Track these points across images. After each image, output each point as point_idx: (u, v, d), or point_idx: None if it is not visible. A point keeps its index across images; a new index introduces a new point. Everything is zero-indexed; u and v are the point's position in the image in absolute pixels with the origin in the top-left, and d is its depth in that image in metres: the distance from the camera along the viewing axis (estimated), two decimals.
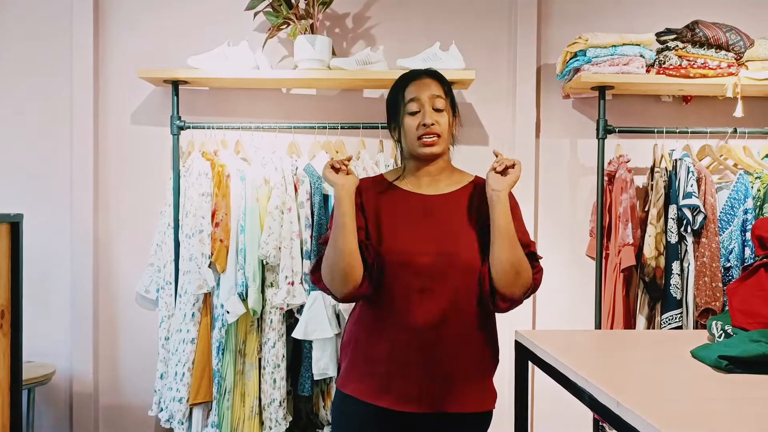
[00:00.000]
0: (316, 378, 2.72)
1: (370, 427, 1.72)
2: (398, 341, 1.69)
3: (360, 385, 1.73)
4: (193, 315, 2.75)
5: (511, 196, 1.76)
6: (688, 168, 2.71)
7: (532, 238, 1.86)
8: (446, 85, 1.81)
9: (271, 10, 2.88)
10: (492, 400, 1.76)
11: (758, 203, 2.70)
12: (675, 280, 2.69)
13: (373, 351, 1.72)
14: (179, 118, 2.92)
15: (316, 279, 1.79)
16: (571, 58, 2.85)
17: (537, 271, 1.75)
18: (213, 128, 2.92)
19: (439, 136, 1.74)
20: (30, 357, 2.93)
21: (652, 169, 2.87)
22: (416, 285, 1.68)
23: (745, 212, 2.69)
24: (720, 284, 2.67)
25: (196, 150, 2.89)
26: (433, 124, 1.73)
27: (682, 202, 2.69)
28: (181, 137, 2.93)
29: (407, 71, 1.86)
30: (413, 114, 1.76)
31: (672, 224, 2.71)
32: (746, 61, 2.81)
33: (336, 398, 1.82)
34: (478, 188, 1.81)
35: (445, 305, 1.68)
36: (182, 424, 2.75)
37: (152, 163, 3.06)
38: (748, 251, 2.67)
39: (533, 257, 1.76)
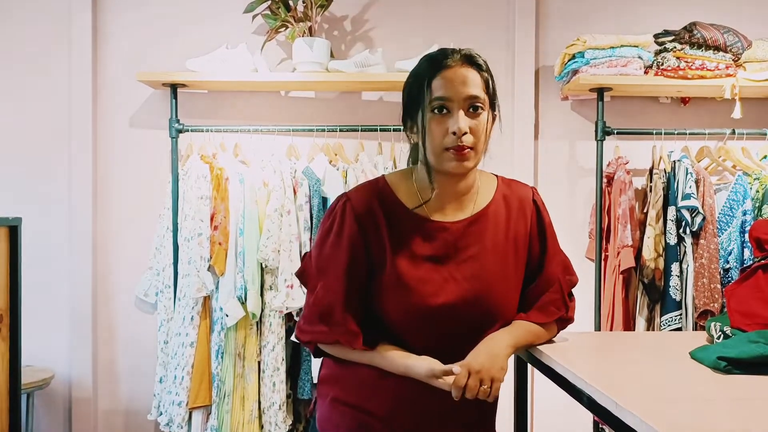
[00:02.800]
0: (315, 381, 2.72)
1: None
2: (405, 395, 1.39)
3: None
4: (192, 318, 2.75)
5: (549, 223, 1.50)
6: (687, 169, 2.72)
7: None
8: (486, 74, 1.38)
9: (269, 12, 2.88)
10: None
11: (757, 204, 2.70)
12: (674, 281, 2.69)
13: (372, 401, 1.41)
14: (178, 121, 2.92)
15: (304, 335, 1.44)
16: (569, 60, 2.85)
17: (564, 323, 1.55)
18: (212, 131, 2.92)
19: (472, 148, 1.34)
20: (29, 361, 2.92)
21: (650, 171, 2.87)
22: (432, 345, 1.37)
23: (744, 213, 2.69)
24: (719, 285, 2.66)
25: (195, 153, 2.89)
26: (465, 133, 1.32)
27: (680, 204, 2.69)
28: (179, 140, 2.93)
29: (437, 51, 1.40)
30: (440, 113, 1.34)
31: (671, 226, 2.71)
32: (744, 63, 2.81)
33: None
34: (506, 199, 1.48)
35: (467, 352, 1.36)
36: (182, 428, 2.74)
37: (151, 167, 3.06)
38: (747, 252, 2.67)
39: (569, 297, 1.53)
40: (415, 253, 1.38)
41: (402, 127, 1.45)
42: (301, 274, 1.49)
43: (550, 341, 1.61)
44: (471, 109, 1.34)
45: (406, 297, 1.36)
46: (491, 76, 1.40)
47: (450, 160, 1.34)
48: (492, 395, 1.32)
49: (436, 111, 1.34)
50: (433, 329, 1.39)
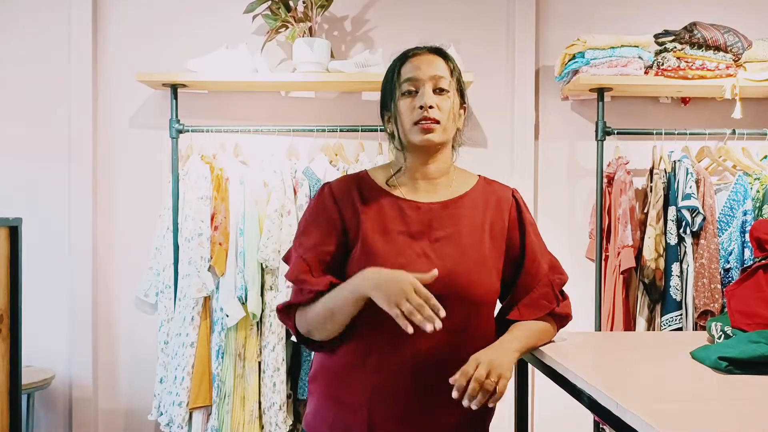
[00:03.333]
0: None
1: None
2: (382, 387, 1.39)
3: None
4: (192, 319, 2.75)
5: (531, 221, 1.53)
6: (687, 169, 2.72)
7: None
8: (452, 63, 1.48)
9: (269, 13, 2.88)
10: None
11: (757, 204, 2.70)
12: (675, 281, 2.69)
13: (349, 393, 1.42)
14: (178, 121, 2.92)
15: (287, 322, 1.48)
16: (569, 60, 2.85)
17: (562, 319, 1.55)
18: (212, 131, 2.92)
19: (438, 122, 1.42)
20: (29, 361, 2.92)
21: (651, 171, 2.87)
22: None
23: (744, 213, 2.69)
24: (719, 286, 2.66)
25: (195, 153, 2.89)
26: (431, 107, 1.41)
27: (681, 204, 2.69)
28: (180, 141, 2.93)
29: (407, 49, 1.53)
30: (409, 94, 1.44)
31: (671, 226, 2.71)
32: (744, 63, 2.81)
33: None
34: (485, 193, 1.52)
35: (445, 345, 1.38)
36: (182, 428, 2.74)
37: (151, 167, 3.06)
38: (747, 252, 2.67)
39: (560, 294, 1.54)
40: (388, 228, 1.43)
41: (381, 120, 1.54)
42: (286, 258, 1.53)
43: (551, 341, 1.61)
44: (437, 90, 1.44)
45: (379, 264, 1.37)
46: (459, 70, 1.50)
47: (418, 132, 1.42)
48: (498, 394, 1.29)
49: (405, 93, 1.44)
50: None
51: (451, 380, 1.29)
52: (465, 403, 1.26)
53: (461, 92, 1.50)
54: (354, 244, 1.44)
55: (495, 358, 1.31)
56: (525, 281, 1.51)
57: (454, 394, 1.27)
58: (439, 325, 1.26)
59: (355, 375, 1.42)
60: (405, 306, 1.26)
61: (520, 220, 1.52)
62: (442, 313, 1.27)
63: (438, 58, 1.47)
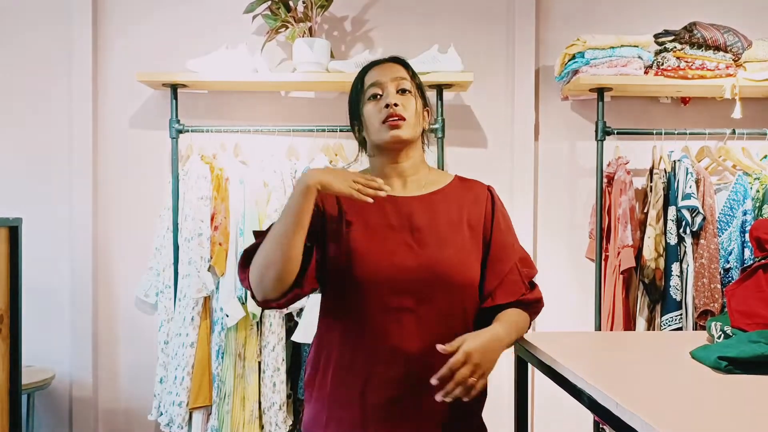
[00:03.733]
0: None
1: None
2: (373, 377, 1.43)
3: None
4: (192, 319, 2.75)
5: (504, 214, 1.57)
6: (687, 169, 2.72)
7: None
8: (411, 69, 1.59)
9: (269, 13, 2.88)
10: None
11: (757, 204, 2.71)
12: (675, 281, 2.69)
13: (342, 390, 1.45)
14: (178, 121, 2.92)
15: (244, 277, 1.46)
16: (569, 60, 2.85)
17: (534, 306, 1.56)
18: (212, 131, 2.92)
19: (404, 119, 1.48)
20: (29, 361, 2.92)
21: (651, 171, 2.87)
22: (395, 306, 1.42)
23: (744, 213, 2.70)
24: (719, 285, 2.66)
25: (195, 153, 2.89)
26: (396, 105, 1.48)
27: (681, 204, 2.69)
28: (180, 141, 2.93)
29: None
30: (374, 98, 1.52)
31: (671, 225, 2.71)
32: (744, 63, 2.81)
33: None
34: (461, 190, 1.57)
35: (433, 329, 1.42)
36: (182, 428, 2.74)
37: (151, 167, 3.06)
38: (747, 252, 2.67)
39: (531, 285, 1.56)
40: (370, 222, 1.48)
41: (351, 130, 1.63)
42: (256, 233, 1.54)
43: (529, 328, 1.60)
44: (399, 92, 1.52)
45: (362, 257, 1.43)
46: (416, 74, 1.59)
47: (386, 130, 1.49)
48: (474, 391, 1.32)
49: (371, 98, 1.53)
50: (390, 289, 1.43)
51: (435, 377, 1.31)
52: (438, 397, 1.30)
53: (423, 95, 1.58)
54: (333, 239, 1.48)
55: (483, 359, 1.33)
56: (495, 268, 1.52)
57: (434, 381, 1.31)
58: (388, 189, 1.40)
59: (347, 372, 1.46)
60: (358, 184, 1.37)
61: (495, 216, 1.56)
62: (387, 188, 1.40)
63: (397, 65, 1.58)
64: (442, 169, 2.70)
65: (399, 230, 1.48)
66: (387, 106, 1.48)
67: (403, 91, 1.52)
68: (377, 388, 1.43)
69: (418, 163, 1.57)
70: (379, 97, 1.52)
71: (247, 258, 1.47)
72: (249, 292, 1.49)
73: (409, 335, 1.42)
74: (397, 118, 1.48)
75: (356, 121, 1.59)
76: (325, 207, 1.51)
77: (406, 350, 1.42)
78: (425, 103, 1.58)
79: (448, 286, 1.45)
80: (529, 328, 1.59)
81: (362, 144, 1.60)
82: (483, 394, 1.52)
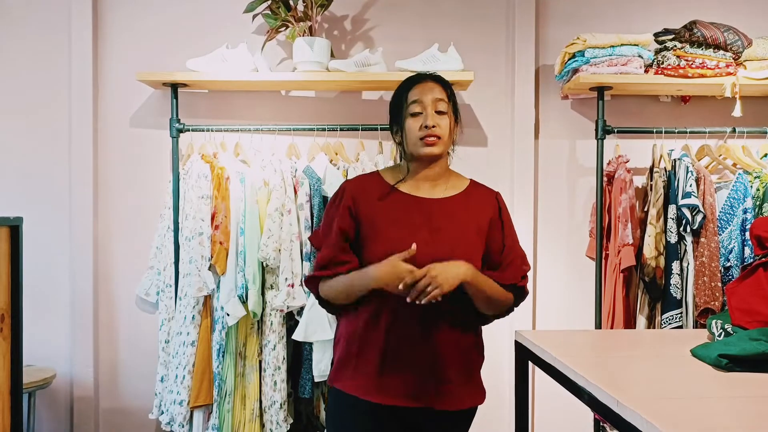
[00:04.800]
0: (316, 380, 2.72)
1: (360, 420, 1.76)
2: (390, 340, 1.72)
3: (350, 381, 1.75)
4: (193, 318, 2.75)
5: (509, 218, 1.85)
6: (687, 168, 2.72)
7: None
8: (449, 90, 1.83)
9: (269, 12, 2.88)
10: (480, 397, 1.82)
11: (757, 202, 2.71)
12: (675, 279, 2.69)
13: (365, 348, 1.75)
14: (178, 120, 2.92)
15: (313, 286, 1.83)
16: (569, 59, 2.85)
17: (519, 291, 1.83)
18: (212, 131, 2.92)
19: (440, 138, 1.76)
20: (30, 361, 2.93)
21: (651, 170, 2.88)
22: (408, 289, 1.67)
23: (745, 211, 2.70)
24: (719, 284, 2.67)
25: (196, 152, 2.89)
26: (434, 126, 1.75)
27: (681, 202, 2.69)
28: (180, 140, 2.93)
29: (412, 74, 1.88)
30: (415, 115, 1.77)
31: (671, 224, 2.71)
32: (744, 61, 2.81)
33: (329, 393, 1.84)
34: (474, 193, 1.85)
35: (440, 308, 1.70)
36: (183, 427, 2.74)
37: (152, 166, 3.06)
38: (747, 251, 2.67)
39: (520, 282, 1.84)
40: (398, 218, 1.77)
41: (390, 131, 1.88)
42: (312, 238, 1.93)
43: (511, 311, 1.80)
44: (438, 112, 1.77)
45: (389, 246, 1.71)
46: (453, 92, 1.84)
47: (423, 146, 1.76)
48: (429, 297, 1.60)
49: (412, 114, 1.78)
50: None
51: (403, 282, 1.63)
52: (408, 299, 1.62)
53: (455, 112, 1.83)
54: (368, 231, 1.77)
55: (440, 274, 1.62)
56: (502, 260, 1.82)
57: (400, 286, 1.62)
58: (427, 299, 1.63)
59: (371, 329, 1.75)
60: (400, 288, 1.64)
61: (502, 219, 1.85)
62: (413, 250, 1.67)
63: (438, 85, 1.81)
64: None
65: (420, 227, 1.75)
66: (426, 126, 1.74)
67: (440, 113, 1.77)
68: (392, 350, 1.72)
69: (444, 170, 1.85)
70: (419, 115, 1.77)
71: (315, 278, 1.82)
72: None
73: (420, 312, 1.69)
74: (433, 137, 1.75)
75: (397, 127, 1.84)
76: (359, 210, 1.79)
77: (416, 323, 1.71)
78: (456, 119, 1.84)
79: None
80: (507, 308, 1.82)
81: (399, 145, 1.85)
82: (481, 356, 1.83)
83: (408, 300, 1.63)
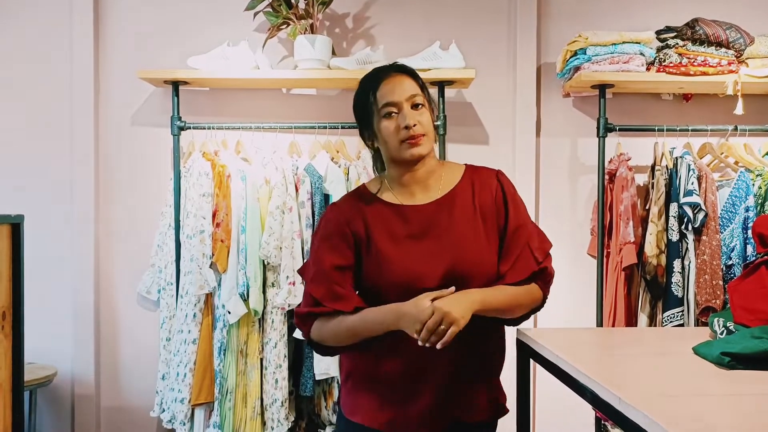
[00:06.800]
0: (318, 378, 2.72)
1: None
2: (408, 365, 1.55)
3: (369, 412, 1.58)
4: (194, 315, 2.75)
5: (513, 197, 1.63)
6: (689, 166, 2.71)
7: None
8: (419, 79, 1.63)
9: (270, 10, 2.88)
10: (501, 412, 1.66)
11: (759, 201, 2.70)
12: (676, 278, 2.69)
13: (380, 374, 1.57)
14: (179, 118, 2.92)
15: (301, 324, 1.61)
16: (571, 57, 2.85)
17: (541, 276, 1.61)
18: (213, 128, 2.92)
19: (424, 135, 1.56)
20: (31, 358, 2.92)
21: (652, 168, 2.87)
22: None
23: (747, 210, 2.69)
24: (720, 282, 2.66)
25: (197, 150, 2.89)
26: (415, 125, 1.55)
27: (683, 200, 2.69)
28: (181, 138, 2.93)
29: (371, 71, 1.66)
30: (390, 116, 1.56)
31: (673, 222, 2.71)
32: (746, 59, 2.81)
33: (341, 424, 1.66)
34: (472, 181, 1.64)
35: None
36: (184, 425, 2.75)
37: (153, 164, 3.06)
38: (749, 249, 2.67)
39: (542, 272, 1.62)
40: (396, 234, 1.57)
41: (362, 139, 1.66)
42: (301, 271, 1.69)
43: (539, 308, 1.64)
44: (413, 107, 1.57)
45: (392, 270, 1.54)
46: (422, 81, 1.63)
47: (407, 149, 1.56)
48: (446, 339, 1.40)
49: (386, 116, 1.57)
50: (413, 290, 1.51)
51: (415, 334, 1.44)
52: (419, 343, 1.42)
53: (429, 98, 1.63)
54: (365, 254, 1.58)
55: (450, 310, 1.41)
56: (507, 253, 1.60)
57: (414, 335, 1.43)
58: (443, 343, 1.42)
59: (383, 360, 1.56)
60: (421, 334, 1.42)
61: (504, 198, 1.63)
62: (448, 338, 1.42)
63: (407, 77, 1.60)
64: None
65: (421, 238, 1.56)
66: (407, 127, 1.54)
67: (416, 106, 1.57)
68: (410, 375, 1.54)
69: (434, 165, 1.64)
70: (395, 115, 1.56)
71: (309, 315, 1.59)
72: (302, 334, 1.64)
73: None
74: (417, 136, 1.55)
75: (368, 132, 1.63)
76: (355, 231, 1.59)
77: (436, 353, 1.46)
78: (431, 104, 1.63)
79: (472, 282, 1.53)
80: (541, 297, 1.64)
81: (376, 152, 1.65)
82: (501, 356, 1.65)
83: (420, 343, 1.42)
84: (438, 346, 1.41)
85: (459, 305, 1.43)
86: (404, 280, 1.52)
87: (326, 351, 1.63)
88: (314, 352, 2.70)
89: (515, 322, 1.64)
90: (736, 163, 2.89)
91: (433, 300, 1.44)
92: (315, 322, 1.58)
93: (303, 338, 1.63)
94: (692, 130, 2.86)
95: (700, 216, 2.67)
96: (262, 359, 2.76)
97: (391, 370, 1.55)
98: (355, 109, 1.64)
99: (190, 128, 2.92)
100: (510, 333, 2.97)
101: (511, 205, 1.62)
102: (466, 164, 1.69)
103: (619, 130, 2.91)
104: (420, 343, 1.42)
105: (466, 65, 2.86)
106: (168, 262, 2.87)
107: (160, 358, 2.86)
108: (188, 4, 3.07)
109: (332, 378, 2.75)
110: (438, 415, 1.55)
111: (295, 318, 1.63)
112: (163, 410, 2.82)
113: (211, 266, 2.74)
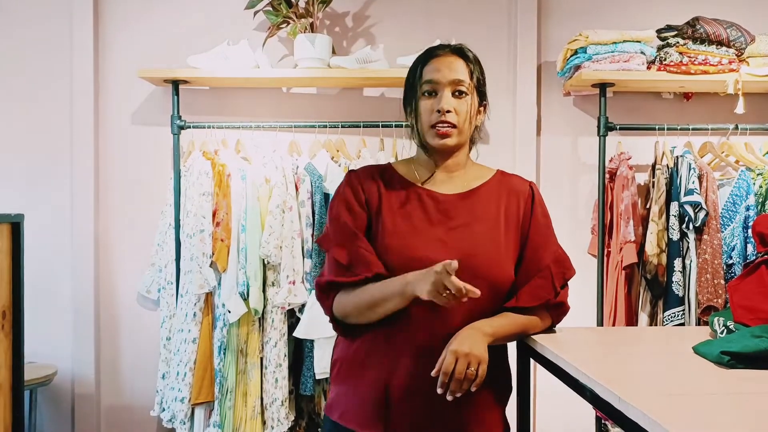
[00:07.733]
0: (318, 377, 2.72)
1: None
2: (399, 365, 1.44)
3: (351, 412, 1.48)
4: (194, 315, 2.75)
5: (544, 213, 1.57)
6: (690, 165, 2.71)
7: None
8: (474, 65, 1.53)
9: (270, 8, 2.88)
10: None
11: (760, 200, 2.70)
12: (677, 277, 2.69)
13: (368, 374, 1.47)
14: (180, 117, 2.92)
15: (323, 295, 1.52)
16: (571, 56, 2.85)
17: (555, 309, 1.57)
18: (213, 128, 2.92)
19: (455, 126, 1.47)
20: (31, 358, 2.93)
21: (653, 167, 2.87)
22: (425, 301, 1.35)
23: (747, 209, 2.69)
24: (722, 281, 2.66)
25: (197, 149, 2.89)
26: (449, 111, 1.46)
27: (683, 199, 2.68)
28: (181, 137, 2.93)
29: (433, 45, 1.59)
30: (429, 95, 1.49)
31: (674, 221, 2.71)
32: (747, 58, 2.80)
33: (325, 424, 1.56)
34: (501, 185, 1.57)
35: (459, 324, 1.42)
36: (184, 424, 2.74)
37: (153, 163, 3.06)
38: (750, 248, 2.67)
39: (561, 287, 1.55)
40: (408, 213, 1.50)
41: (404, 111, 1.57)
42: (321, 240, 1.58)
43: (551, 331, 1.62)
44: (456, 93, 1.48)
45: (399, 246, 1.46)
46: (480, 69, 1.54)
47: (434, 136, 1.49)
48: (479, 379, 1.34)
49: (426, 94, 1.49)
50: None
51: (433, 374, 1.34)
52: (449, 397, 1.33)
53: (480, 92, 1.54)
54: (374, 222, 1.51)
55: (472, 349, 1.35)
56: (529, 270, 1.52)
57: (439, 390, 1.33)
58: (475, 293, 1.30)
59: (374, 358, 1.47)
60: (444, 296, 1.30)
61: (535, 214, 1.56)
62: (477, 292, 1.30)
63: (459, 59, 1.51)
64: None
65: (435, 225, 1.49)
66: (439, 111, 1.46)
67: (459, 93, 1.49)
68: (401, 376, 1.44)
69: (464, 161, 1.57)
70: (434, 95, 1.49)
71: (328, 287, 1.50)
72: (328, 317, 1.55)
73: (434, 330, 1.43)
74: (447, 126, 1.47)
75: (409, 108, 1.55)
76: (369, 198, 1.53)
77: (430, 344, 1.41)
78: (482, 100, 1.55)
79: (480, 283, 1.39)
80: (549, 328, 1.60)
81: (411, 129, 1.55)
82: (508, 386, 1.59)
83: (439, 389, 1.32)
84: (472, 389, 1.34)
85: (476, 344, 1.35)
86: (405, 263, 1.42)
87: (349, 331, 1.51)
88: (314, 353, 2.70)
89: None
90: (737, 162, 2.88)
91: (438, 273, 1.28)
92: (337, 294, 1.49)
93: (326, 314, 1.53)
94: (693, 129, 2.86)
95: (701, 215, 2.67)
96: (262, 358, 2.76)
97: (374, 375, 1.47)
98: (406, 79, 1.57)
99: (190, 127, 2.92)
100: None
101: (540, 219, 1.56)
102: (498, 170, 1.63)
103: (620, 129, 2.91)
104: (439, 390, 1.32)
105: None
106: (168, 262, 2.87)
107: (161, 357, 2.86)
108: (188, 3, 3.07)
109: None
110: (425, 428, 1.46)
111: (316, 291, 1.54)
112: (163, 409, 2.82)
113: (211, 265, 2.74)
